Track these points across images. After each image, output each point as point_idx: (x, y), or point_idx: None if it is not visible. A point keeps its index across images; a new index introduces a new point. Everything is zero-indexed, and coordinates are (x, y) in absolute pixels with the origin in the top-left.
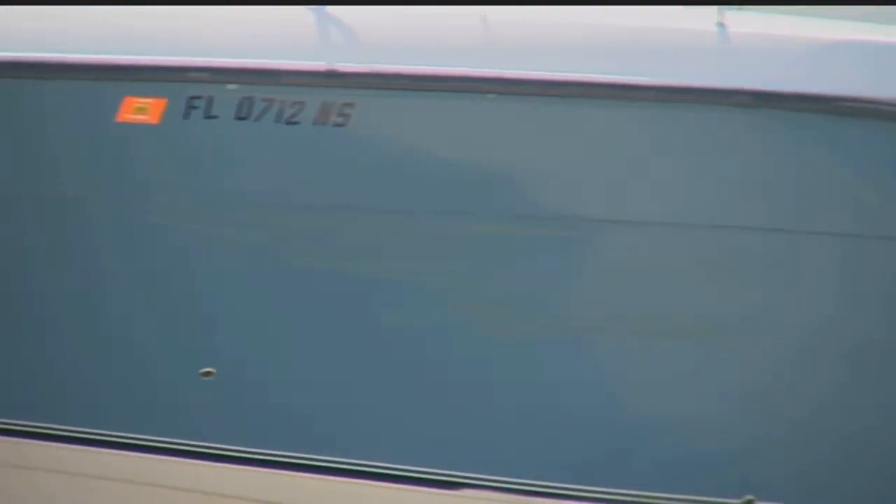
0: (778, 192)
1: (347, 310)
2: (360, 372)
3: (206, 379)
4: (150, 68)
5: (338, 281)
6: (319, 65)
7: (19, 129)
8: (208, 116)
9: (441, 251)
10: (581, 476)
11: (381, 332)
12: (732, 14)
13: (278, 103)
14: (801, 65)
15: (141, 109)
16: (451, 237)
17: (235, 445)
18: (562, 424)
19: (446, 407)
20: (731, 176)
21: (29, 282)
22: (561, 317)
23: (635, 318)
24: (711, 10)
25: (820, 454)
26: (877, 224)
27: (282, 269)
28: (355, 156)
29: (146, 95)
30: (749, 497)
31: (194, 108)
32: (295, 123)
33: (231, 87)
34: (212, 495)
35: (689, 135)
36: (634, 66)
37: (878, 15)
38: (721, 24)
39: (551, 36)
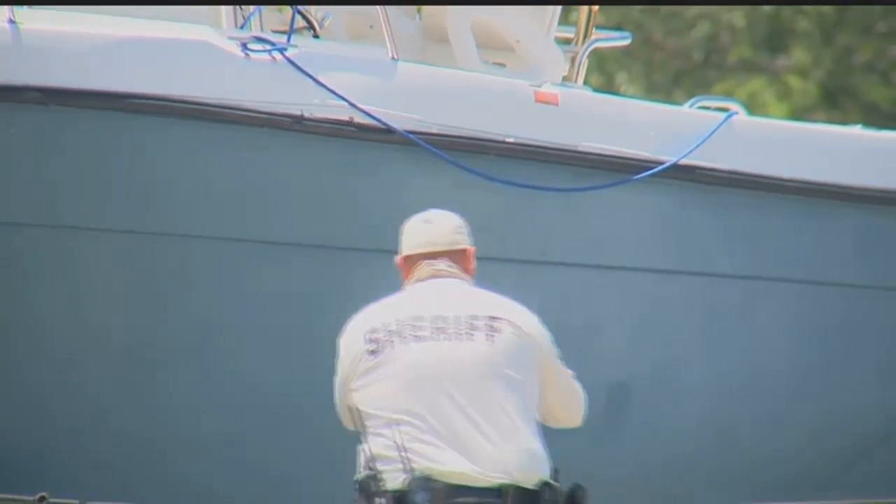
0: (77, 191)
1: None
2: None
3: None
4: None
5: None
6: None
7: None
8: None
9: None
10: None
11: None
12: (26, 11)
13: None
14: (91, 62)
15: None
16: None
17: None
18: None
19: None
20: (25, 174)
21: None
22: None
23: None
24: (3, 8)
25: (104, 450)
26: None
27: None
28: None
29: None
30: (42, 494)
31: None
32: None
33: None
34: None
35: None
36: None
37: (167, 13)
38: (13, 22)
39: None
